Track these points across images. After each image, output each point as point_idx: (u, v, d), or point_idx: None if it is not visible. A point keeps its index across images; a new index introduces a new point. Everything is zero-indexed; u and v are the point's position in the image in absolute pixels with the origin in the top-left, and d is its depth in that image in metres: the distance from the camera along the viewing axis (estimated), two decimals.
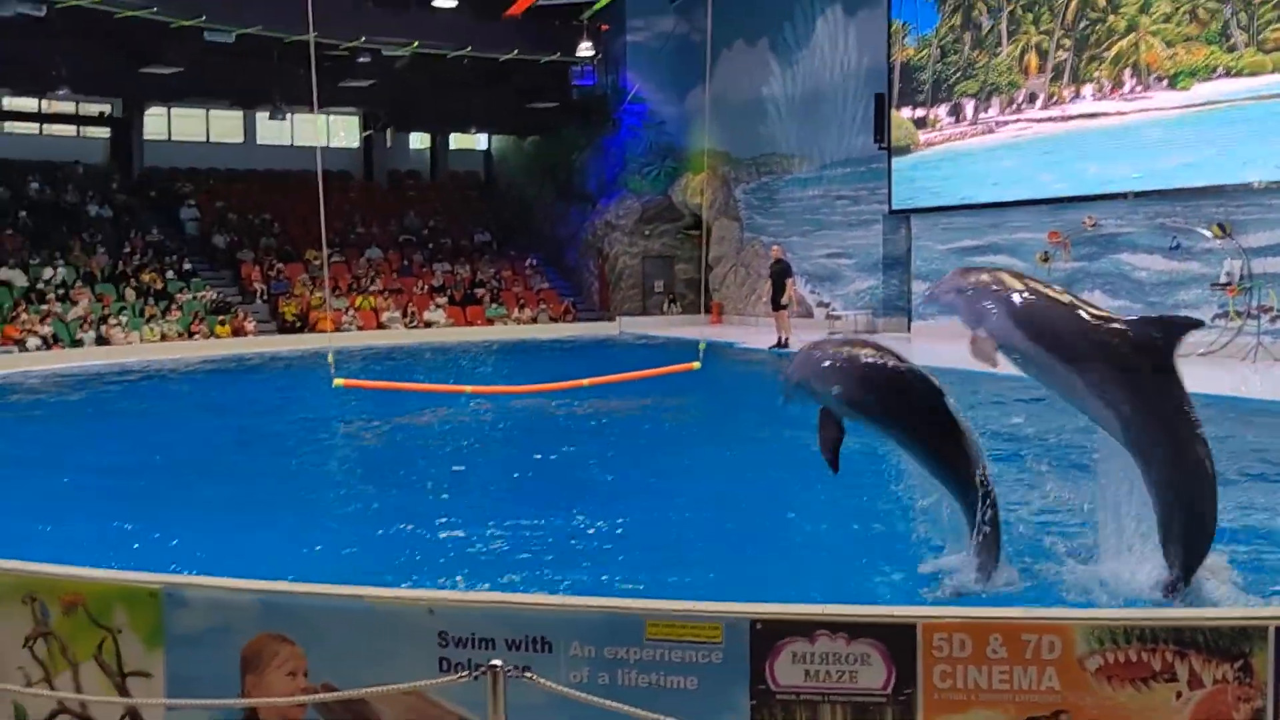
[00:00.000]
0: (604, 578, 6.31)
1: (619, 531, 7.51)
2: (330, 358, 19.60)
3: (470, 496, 8.92)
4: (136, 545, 7.32)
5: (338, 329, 24.36)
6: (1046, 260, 20.72)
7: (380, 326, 27.97)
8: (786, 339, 21.93)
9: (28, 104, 31.17)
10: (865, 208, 25.70)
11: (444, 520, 7.87)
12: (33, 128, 31.65)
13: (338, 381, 14.86)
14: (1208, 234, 17.99)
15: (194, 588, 3.95)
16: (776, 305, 22.34)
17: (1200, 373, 15.50)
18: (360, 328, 27.47)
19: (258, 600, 3.86)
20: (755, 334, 25.52)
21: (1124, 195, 19.32)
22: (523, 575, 6.39)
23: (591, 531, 7.52)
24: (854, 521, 7.39)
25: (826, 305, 26.58)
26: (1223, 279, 17.79)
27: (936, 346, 21.50)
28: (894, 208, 24.47)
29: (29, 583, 4.10)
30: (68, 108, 31.91)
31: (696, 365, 18.20)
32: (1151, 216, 19.09)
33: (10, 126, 31.28)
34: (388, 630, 3.77)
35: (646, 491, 9.06)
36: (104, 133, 32.64)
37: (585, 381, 23.64)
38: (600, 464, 10.46)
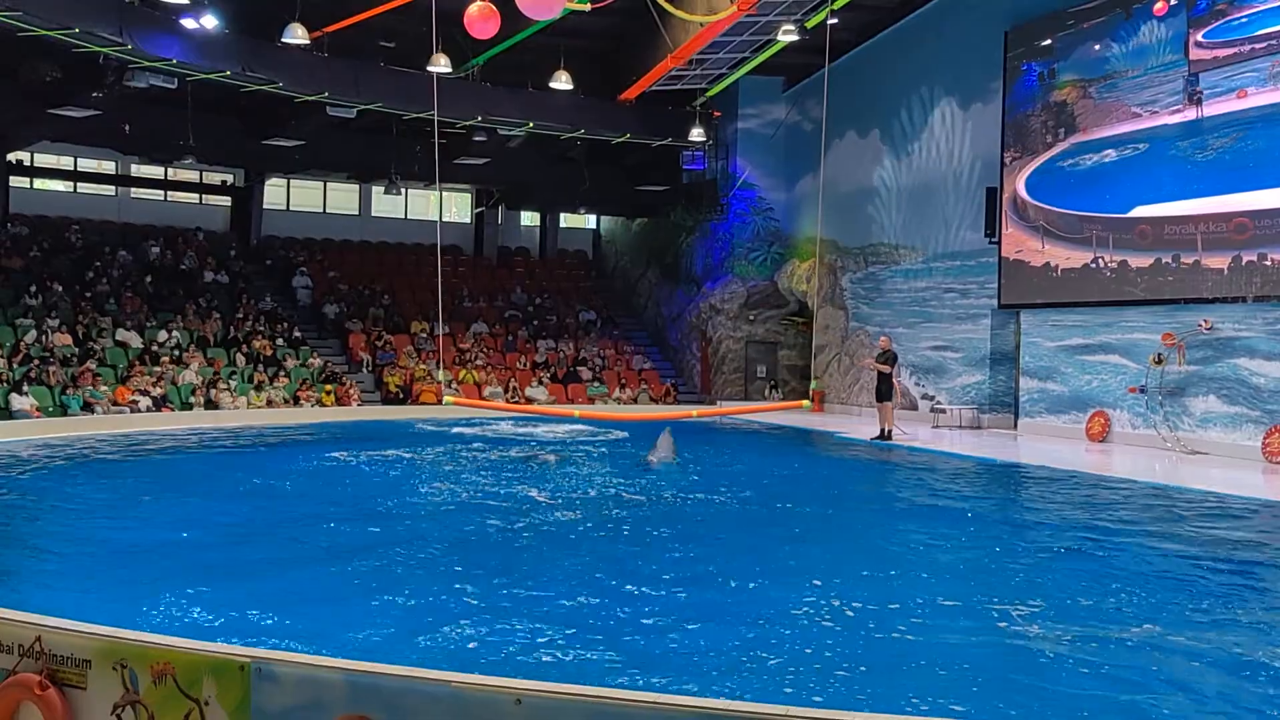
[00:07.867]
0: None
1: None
2: (442, 375, 19.94)
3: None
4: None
5: (439, 402, 24.59)
6: (1160, 362, 20.20)
7: (482, 400, 28.13)
8: (889, 430, 21.63)
9: (155, 171, 32.22)
10: (974, 301, 25.31)
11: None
12: (158, 194, 32.66)
13: (448, 399, 15.52)
14: None
15: (283, 664, 3.90)
16: (880, 396, 22.06)
17: None
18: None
19: (345, 679, 3.80)
20: (857, 424, 25.22)
21: (1243, 298, 18.81)
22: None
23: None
24: None
25: (931, 398, 26.17)
26: None
27: (1045, 444, 21.12)
28: (1004, 302, 24.13)
29: (120, 649, 4.09)
30: (192, 176, 32.90)
31: (807, 404, 18.25)
32: (1271, 321, 18.52)
33: (137, 192, 32.35)
34: (473, 717, 3.68)
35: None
36: (225, 201, 33.57)
37: (694, 412, 23.59)
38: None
